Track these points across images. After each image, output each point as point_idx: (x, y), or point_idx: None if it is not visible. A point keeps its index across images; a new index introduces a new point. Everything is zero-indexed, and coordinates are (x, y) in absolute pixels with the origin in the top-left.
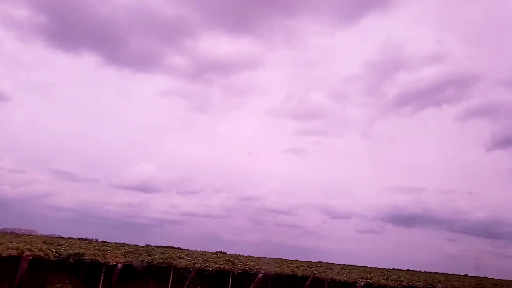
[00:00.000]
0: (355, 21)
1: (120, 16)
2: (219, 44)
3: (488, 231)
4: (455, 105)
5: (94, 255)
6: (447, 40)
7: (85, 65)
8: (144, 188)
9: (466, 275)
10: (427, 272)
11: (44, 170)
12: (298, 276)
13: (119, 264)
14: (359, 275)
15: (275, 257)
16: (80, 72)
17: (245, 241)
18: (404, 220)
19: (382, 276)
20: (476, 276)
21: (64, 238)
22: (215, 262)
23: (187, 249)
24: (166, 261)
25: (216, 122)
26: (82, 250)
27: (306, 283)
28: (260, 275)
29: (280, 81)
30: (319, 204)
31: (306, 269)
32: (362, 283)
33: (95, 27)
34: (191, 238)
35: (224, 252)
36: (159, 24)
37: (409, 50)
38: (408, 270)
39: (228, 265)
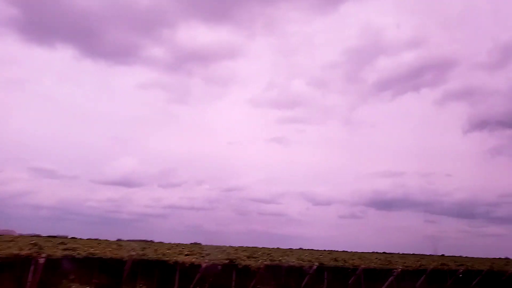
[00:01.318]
0: (334, 8)
1: (95, 7)
2: (197, 34)
3: (466, 211)
4: (433, 89)
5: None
6: (425, 25)
7: (60, 58)
8: (125, 182)
9: (443, 255)
10: (406, 254)
11: (21, 168)
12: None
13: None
14: (312, 258)
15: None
16: (56, 66)
17: (230, 232)
18: (386, 204)
19: (334, 259)
20: (452, 256)
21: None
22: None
23: (161, 242)
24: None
25: (197, 113)
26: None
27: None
28: (203, 266)
29: (261, 70)
30: (302, 192)
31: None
32: (315, 267)
33: (70, 19)
34: (175, 231)
35: (199, 243)
36: (136, 14)
37: (387, 35)
38: (384, 252)
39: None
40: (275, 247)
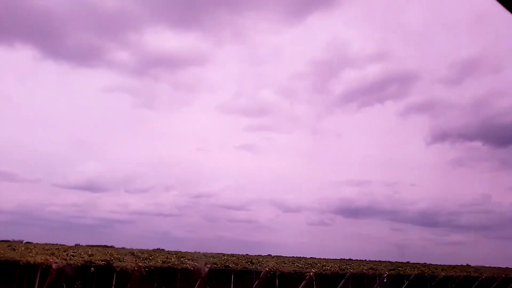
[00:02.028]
0: (301, 19)
1: (57, 7)
2: (164, 39)
3: (430, 220)
4: (397, 102)
5: None
6: (389, 40)
7: (19, 58)
8: (90, 187)
9: (408, 262)
10: (372, 260)
11: None
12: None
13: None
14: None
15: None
16: (15, 66)
17: (198, 238)
18: (353, 212)
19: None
20: (416, 263)
21: None
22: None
23: (123, 247)
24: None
25: (165, 118)
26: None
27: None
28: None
29: (229, 78)
30: (271, 199)
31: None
32: (267, 269)
33: (30, 18)
34: (142, 237)
35: (163, 249)
36: (101, 16)
37: (353, 48)
38: (342, 259)
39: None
40: (244, 253)
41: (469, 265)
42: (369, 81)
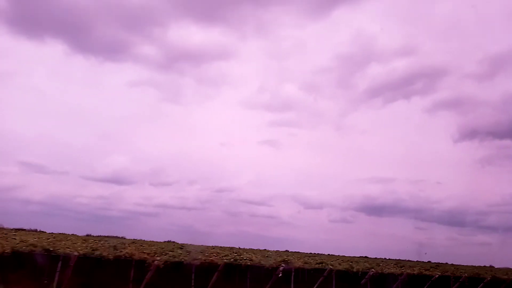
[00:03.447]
0: (326, 13)
1: (85, 2)
2: (189, 33)
3: (456, 219)
4: (424, 98)
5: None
6: (416, 34)
7: (50, 53)
8: (116, 180)
9: (429, 261)
10: (395, 259)
11: (10, 162)
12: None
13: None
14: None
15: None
16: (46, 61)
17: (220, 233)
18: (376, 209)
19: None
20: (437, 263)
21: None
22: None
23: (141, 239)
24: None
25: (189, 112)
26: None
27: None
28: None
29: (253, 72)
30: (293, 195)
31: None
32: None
33: (59, 13)
34: (165, 230)
35: (174, 241)
36: (126, 11)
37: (379, 43)
38: (366, 257)
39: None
40: (263, 248)
41: (493, 267)
42: (395, 76)
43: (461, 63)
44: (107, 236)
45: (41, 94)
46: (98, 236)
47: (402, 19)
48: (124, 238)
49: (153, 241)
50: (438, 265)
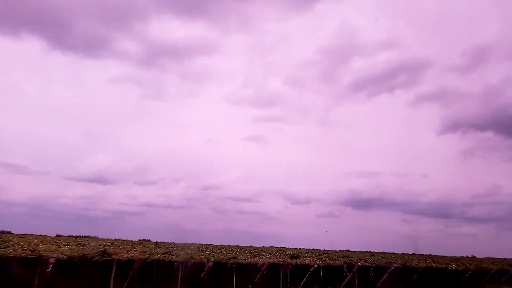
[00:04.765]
0: (309, 7)
1: None
2: (171, 28)
3: (441, 211)
4: (407, 91)
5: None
6: (399, 27)
7: (28, 50)
8: (100, 179)
9: (413, 253)
10: (381, 252)
11: None
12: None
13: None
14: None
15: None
16: (23, 58)
17: (208, 230)
18: (362, 203)
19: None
20: (423, 254)
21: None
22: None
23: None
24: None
25: (173, 109)
26: None
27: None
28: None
29: (237, 67)
30: (280, 190)
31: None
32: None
33: (35, 8)
34: (152, 229)
35: (149, 240)
36: (105, 6)
37: (363, 36)
38: (347, 250)
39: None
40: (249, 245)
41: (475, 257)
42: (378, 70)
43: (444, 56)
44: (82, 237)
45: (20, 92)
46: (69, 236)
47: (385, 11)
48: (97, 238)
49: (128, 239)
50: (421, 257)
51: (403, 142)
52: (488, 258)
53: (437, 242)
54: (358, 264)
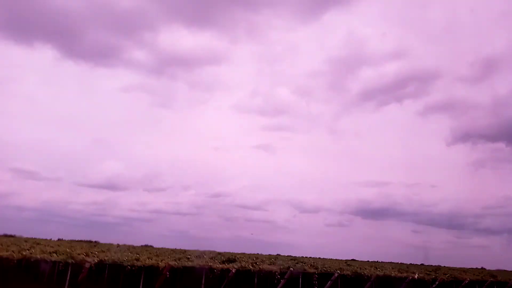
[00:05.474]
0: (317, 16)
1: (74, 7)
2: (180, 38)
3: (451, 222)
4: (416, 101)
5: None
6: (408, 37)
7: (40, 58)
8: (110, 186)
9: (422, 264)
10: (389, 262)
11: (2, 169)
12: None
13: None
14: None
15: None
16: (36, 66)
17: (216, 238)
18: (371, 213)
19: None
20: (430, 265)
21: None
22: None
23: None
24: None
25: (182, 117)
26: None
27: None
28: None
29: (245, 76)
30: (289, 199)
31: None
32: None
33: (48, 18)
34: (161, 235)
35: (151, 246)
36: (116, 16)
37: (371, 46)
38: (353, 259)
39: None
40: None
41: (484, 268)
42: (387, 80)
43: (453, 66)
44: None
45: (32, 100)
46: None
47: (393, 22)
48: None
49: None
50: (437, 268)
51: (413, 152)
52: (498, 270)
53: (448, 253)
54: (291, 270)
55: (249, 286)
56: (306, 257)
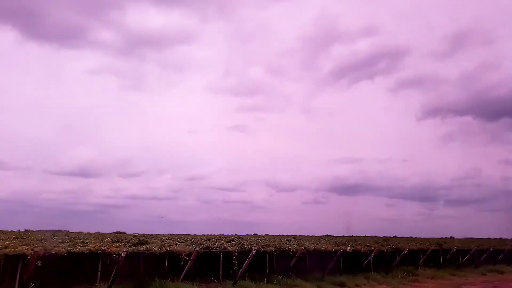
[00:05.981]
0: None
1: None
2: (148, 16)
3: (423, 195)
4: (387, 77)
5: None
6: (378, 14)
7: (1, 41)
8: (82, 173)
9: (395, 236)
10: (364, 236)
11: None
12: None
13: None
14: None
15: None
16: None
17: (195, 221)
18: (346, 189)
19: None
20: (402, 237)
21: None
22: None
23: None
24: None
25: (154, 100)
26: None
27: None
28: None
29: (217, 56)
30: (265, 179)
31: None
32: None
33: None
34: (138, 221)
35: (123, 232)
36: None
37: (342, 23)
38: (327, 235)
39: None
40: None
41: (453, 237)
42: (358, 57)
43: (422, 42)
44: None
45: None
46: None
47: None
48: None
49: (100, 232)
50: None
51: (385, 128)
52: (467, 239)
53: (420, 225)
54: (197, 250)
55: (161, 270)
56: (269, 235)
